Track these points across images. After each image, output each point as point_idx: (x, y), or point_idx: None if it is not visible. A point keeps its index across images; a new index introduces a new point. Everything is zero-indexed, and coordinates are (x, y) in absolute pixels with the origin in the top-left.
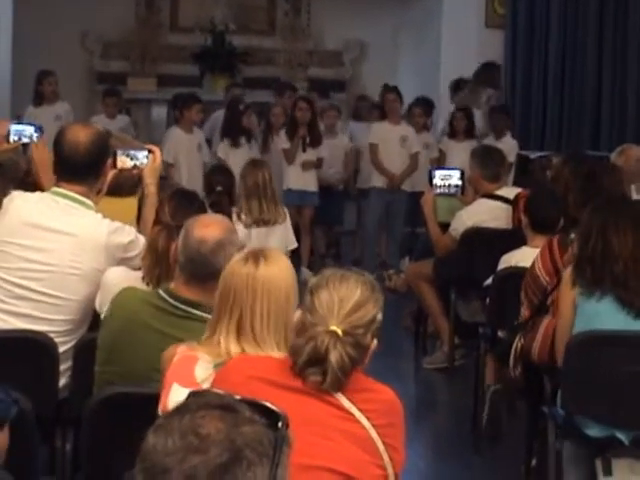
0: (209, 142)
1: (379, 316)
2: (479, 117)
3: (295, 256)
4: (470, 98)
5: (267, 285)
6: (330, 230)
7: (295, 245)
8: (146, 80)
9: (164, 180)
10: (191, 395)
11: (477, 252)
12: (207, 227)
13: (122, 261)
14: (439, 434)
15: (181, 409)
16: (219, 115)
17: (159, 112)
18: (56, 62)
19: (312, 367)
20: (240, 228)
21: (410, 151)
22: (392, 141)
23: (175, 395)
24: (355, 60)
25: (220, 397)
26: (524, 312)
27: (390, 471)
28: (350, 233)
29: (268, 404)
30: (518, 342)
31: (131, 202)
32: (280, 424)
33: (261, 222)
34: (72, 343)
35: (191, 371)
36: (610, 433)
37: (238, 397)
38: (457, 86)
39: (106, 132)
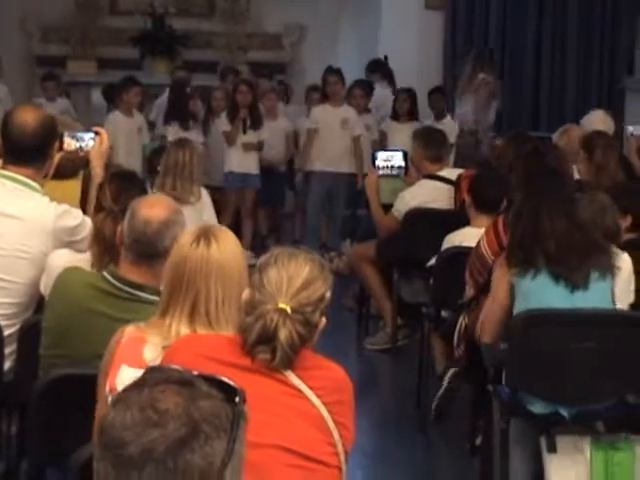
0: (153, 124)
1: (328, 294)
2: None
3: None
4: (467, 84)
5: (221, 267)
6: (273, 213)
7: None
8: (86, 63)
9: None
10: (149, 370)
11: (419, 233)
12: (152, 208)
13: (69, 244)
14: (383, 414)
15: (139, 383)
16: (165, 98)
17: (99, 95)
18: None
19: (261, 345)
20: None
21: (352, 134)
22: (333, 124)
23: (123, 376)
24: (295, 43)
25: (179, 372)
26: (469, 291)
27: (340, 448)
28: (291, 215)
29: (225, 379)
30: (462, 321)
31: (73, 185)
32: (237, 399)
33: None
34: (18, 326)
35: (139, 352)
36: (553, 409)
37: (196, 372)
38: (374, 67)
39: (52, 116)
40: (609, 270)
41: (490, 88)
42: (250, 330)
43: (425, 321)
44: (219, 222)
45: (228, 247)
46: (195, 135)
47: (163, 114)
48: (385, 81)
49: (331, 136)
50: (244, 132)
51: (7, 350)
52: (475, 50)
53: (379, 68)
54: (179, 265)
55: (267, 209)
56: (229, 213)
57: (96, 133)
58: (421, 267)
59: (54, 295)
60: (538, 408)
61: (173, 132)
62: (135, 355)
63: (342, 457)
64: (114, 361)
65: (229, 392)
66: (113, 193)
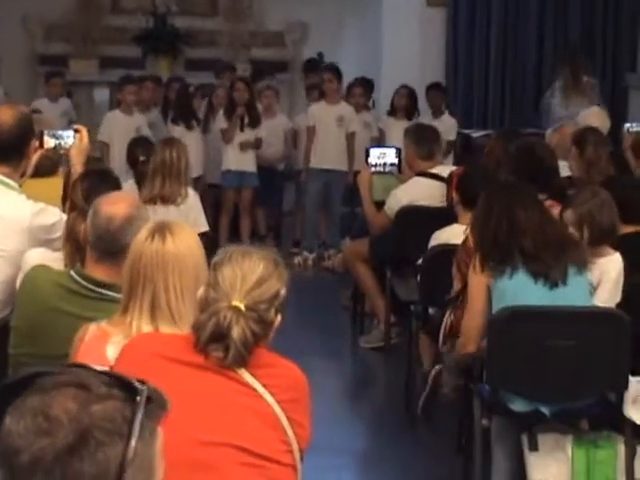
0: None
1: (283, 291)
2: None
3: (208, 239)
4: (572, 86)
5: (177, 260)
6: (272, 211)
7: (205, 229)
8: (88, 62)
9: (99, 161)
10: (47, 373)
11: (412, 230)
12: (114, 204)
13: (46, 242)
14: (374, 412)
15: (37, 389)
16: None
17: (101, 94)
18: None
19: (214, 343)
20: None
21: (347, 131)
22: (329, 121)
23: None
24: (297, 41)
25: (75, 374)
26: (456, 285)
27: (295, 446)
28: (290, 214)
29: (127, 377)
30: (448, 318)
31: (54, 182)
32: (139, 398)
33: (158, 199)
34: None
35: (103, 350)
36: (534, 407)
37: (99, 369)
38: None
39: (29, 114)
40: (584, 264)
41: (597, 91)
42: (203, 328)
43: (413, 319)
44: (218, 221)
45: (184, 240)
46: (198, 135)
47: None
48: None
49: (327, 133)
50: (241, 130)
51: None
52: (567, 50)
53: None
54: (135, 261)
55: (265, 208)
56: (227, 212)
57: (76, 131)
58: (413, 265)
59: (22, 294)
60: (519, 406)
61: (179, 133)
62: (98, 354)
63: (297, 455)
64: (77, 360)
65: (131, 391)
66: (85, 192)
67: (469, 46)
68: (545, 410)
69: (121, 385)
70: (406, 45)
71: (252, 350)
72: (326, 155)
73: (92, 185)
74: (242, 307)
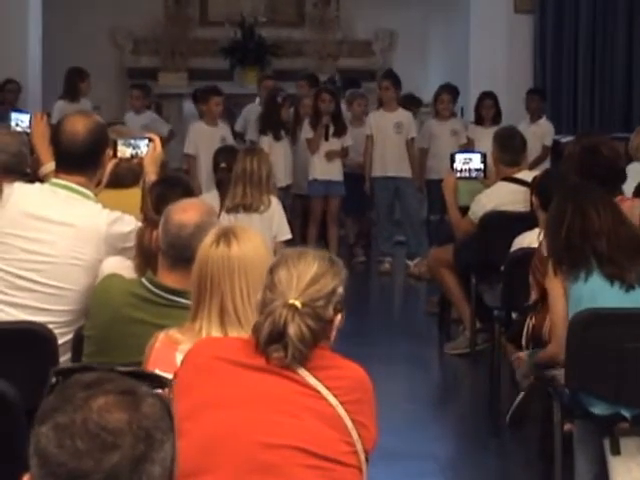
0: (242, 135)
1: (340, 289)
2: None
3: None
4: None
5: (243, 264)
6: (361, 219)
7: (288, 236)
8: (177, 75)
9: (185, 172)
10: (78, 387)
11: (496, 235)
12: (186, 211)
13: (122, 251)
14: (459, 419)
15: (72, 403)
16: (251, 108)
17: (191, 106)
18: (86, 58)
19: (273, 343)
20: (223, 214)
21: (407, 137)
22: (387, 129)
23: None
24: (385, 49)
25: (111, 382)
26: (534, 294)
27: (359, 448)
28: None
29: (150, 371)
30: (529, 323)
31: (134, 193)
32: (167, 390)
33: (241, 208)
34: (72, 335)
35: (172, 357)
36: (615, 411)
37: (122, 369)
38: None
39: (103, 123)
40: None
41: None
42: (261, 329)
43: (496, 324)
44: (306, 231)
45: (249, 243)
46: (287, 145)
47: (253, 124)
48: None
49: (385, 141)
50: (326, 139)
51: (62, 359)
52: None
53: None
54: (202, 267)
55: (354, 216)
56: (315, 221)
57: (149, 139)
58: (498, 270)
59: (94, 303)
60: (599, 409)
61: (266, 143)
62: (168, 361)
63: (362, 456)
64: (148, 367)
65: (160, 384)
66: (154, 202)
67: (557, 52)
68: (626, 413)
69: (150, 380)
70: (493, 52)
71: (311, 348)
72: (388, 163)
73: (161, 194)
74: (298, 304)
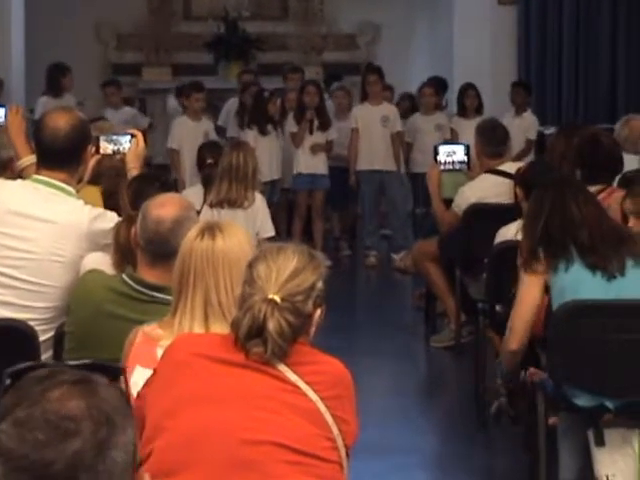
0: (224, 129)
1: (319, 284)
2: None
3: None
4: None
5: (227, 258)
6: (346, 213)
7: (271, 234)
8: (161, 70)
9: (166, 166)
10: (29, 382)
11: (480, 228)
12: (163, 206)
13: (104, 247)
14: (446, 411)
15: (29, 398)
16: (233, 102)
17: (174, 101)
18: (70, 54)
19: (253, 338)
20: (206, 208)
21: (392, 131)
22: (373, 122)
23: (137, 376)
24: (369, 43)
25: (66, 372)
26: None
27: (340, 443)
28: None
29: (102, 362)
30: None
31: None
32: (122, 377)
33: (225, 203)
34: (54, 332)
35: (153, 353)
36: (599, 402)
37: (73, 363)
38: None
39: (85, 119)
40: None
41: None
42: (240, 324)
43: (481, 317)
44: (291, 225)
45: (234, 238)
46: (274, 140)
47: (233, 118)
48: None
49: (372, 134)
50: (310, 133)
51: (44, 356)
52: None
53: None
54: (185, 260)
55: (339, 209)
56: (300, 215)
57: (132, 135)
58: (482, 263)
59: (75, 299)
60: (583, 401)
61: (252, 136)
62: (148, 356)
63: (342, 452)
64: (128, 362)
65: (114, 373)
66: (130, 198)
67: (541, 44)
68: (610, 404)
69: (102, 371)
70: (477, 44)
71: (291, 343)
72: (374, 156)
73: (137, 190)
74: (277, 299)
